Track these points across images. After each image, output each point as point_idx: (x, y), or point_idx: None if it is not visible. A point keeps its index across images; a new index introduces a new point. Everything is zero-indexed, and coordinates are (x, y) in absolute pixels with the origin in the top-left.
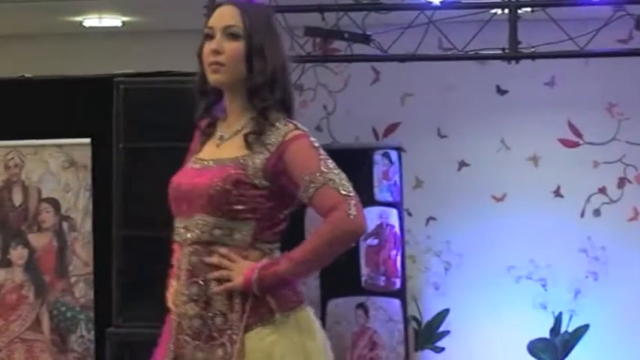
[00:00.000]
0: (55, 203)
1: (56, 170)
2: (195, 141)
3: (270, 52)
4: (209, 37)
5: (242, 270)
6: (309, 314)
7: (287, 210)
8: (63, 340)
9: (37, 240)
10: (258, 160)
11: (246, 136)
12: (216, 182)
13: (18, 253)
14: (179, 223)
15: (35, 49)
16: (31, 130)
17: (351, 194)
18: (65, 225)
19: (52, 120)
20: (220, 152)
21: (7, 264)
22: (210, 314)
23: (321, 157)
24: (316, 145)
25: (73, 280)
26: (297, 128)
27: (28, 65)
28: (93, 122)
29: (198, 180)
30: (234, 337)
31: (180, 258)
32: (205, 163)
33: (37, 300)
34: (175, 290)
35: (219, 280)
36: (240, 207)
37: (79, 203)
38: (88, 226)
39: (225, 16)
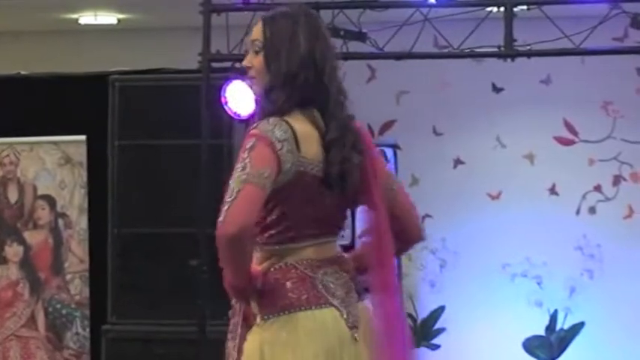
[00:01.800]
0: (50, 200)
1: (52, 167)
2: None
3: (285, 56)
4: None
5: None
6: (298, 320)
7: (265, 212)
8: (58, 337)
9: (32, 237)
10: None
11: None
12: None
13: (13, 250)
14: None
15: (31, 46)
16: (26, 128)
17: (226, 198)
18: (60, 222)
19: (48, 117)
20: None
21: (3, 261)
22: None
23: (242, 157)
24: (248, 145)
25: (68, 277)
26: (255, 127)
27: (24, 62)
28: (88, 119)
29: None
30: (238, 335)
31: None
32: None
33: (32, 297)
34: None
35: None
36: None
37: (74, 200)
38: (83, 223)
39: (254, 32)
